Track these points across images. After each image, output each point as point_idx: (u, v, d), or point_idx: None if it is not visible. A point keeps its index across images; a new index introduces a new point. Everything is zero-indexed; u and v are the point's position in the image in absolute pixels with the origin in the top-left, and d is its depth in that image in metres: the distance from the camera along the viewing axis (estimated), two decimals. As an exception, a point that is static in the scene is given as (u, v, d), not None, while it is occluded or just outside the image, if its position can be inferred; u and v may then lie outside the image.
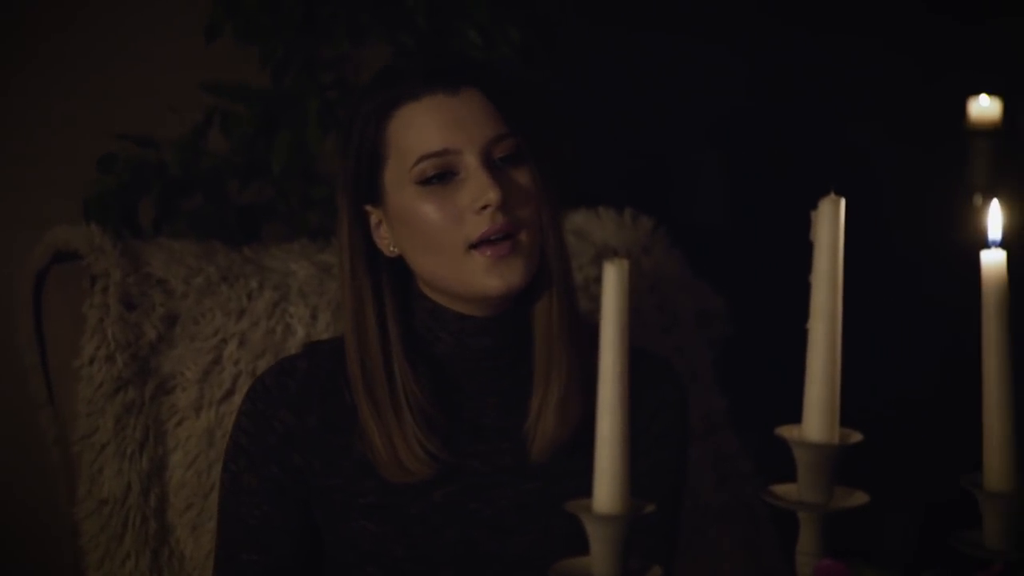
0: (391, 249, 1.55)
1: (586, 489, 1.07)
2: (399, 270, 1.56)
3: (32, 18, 2.19)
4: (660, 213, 2.18)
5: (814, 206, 1.12)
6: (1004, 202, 1.18)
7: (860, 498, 1.11)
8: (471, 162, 1.50)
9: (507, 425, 1.58)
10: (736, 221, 2.59)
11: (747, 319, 2.21)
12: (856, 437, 1.11)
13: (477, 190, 1.49)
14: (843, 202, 1.11)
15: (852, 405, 1.13)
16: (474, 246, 1.49)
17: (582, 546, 1.08)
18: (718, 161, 2.57)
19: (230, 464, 1.58)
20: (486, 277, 1.49)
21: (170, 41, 2.26)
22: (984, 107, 2.70)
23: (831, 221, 1.11)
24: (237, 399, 1.88)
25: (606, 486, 1.04)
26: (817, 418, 1.10)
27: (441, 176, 1.50)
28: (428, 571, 1.54)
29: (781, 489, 1.12)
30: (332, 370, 1.58)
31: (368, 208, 1.56)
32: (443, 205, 1.50)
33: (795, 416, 1.13)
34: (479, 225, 1.49)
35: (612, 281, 1.05)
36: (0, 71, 2.17)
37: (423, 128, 1.51)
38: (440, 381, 1.56)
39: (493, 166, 1.50)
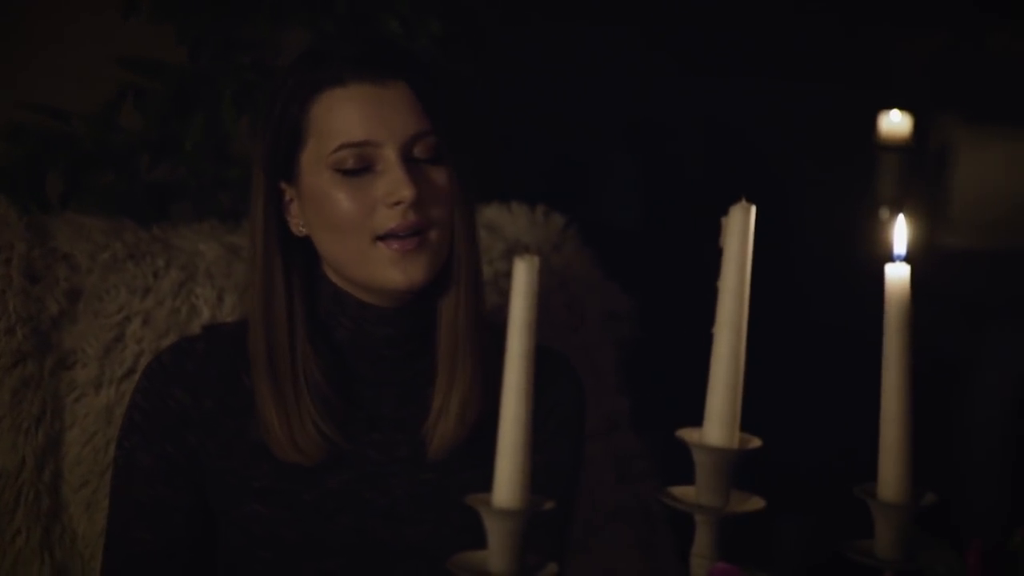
0: (300, 229, 1.54)
1: (482, 482, 1.07)
2: (306, 251, 1.56)
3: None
4: (573, 212, 2.19)
5: (725, 212, 1.13)
6: (910, 217, 1.20)
7: (756, 503, 1.12)
8: (390, 156, 1.49)
9: (404, 416, 1.58)
10: (648, 224, 2.60)
11: (654, 321, 2.23)
12: (755, 443, 1.12)
13: (392, 185, 1.48)
14: (753, 209, 1.12)
15: (747, 410, 1.14)
16: (381, 238, 1.49)
17: (476, 538, 1.08)
18: (632, 163, 2.58)
19: (124, 441, 1.56)
20: (389, 270, 1.49)
21: (86, 13, 2.23)
22: (895, 123, 2.74)
23: (741, 228, 1.12)
24: (138, 378, 1.87)
25: (506, 480, 1.05)
26: (718, 423, 1.11)
27: (358, 168, 1.50)
28: (320, 557, 1.54)
29: (679, 491, 1.13)
30: (231, 352, 1.56)
31: (283, 185, 1.55)
32: (356, 195, 1.49)
33: (696, 419, 1.13)
34: (389, 219, 1.49)
35: (522, 278, 1.05)
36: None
37: (346, 116, 1.50)
38: (339, 367, 1.56)
39: (411, 162, 1.50)
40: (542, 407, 1.57)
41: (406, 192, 1.48)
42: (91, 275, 1.90)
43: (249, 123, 2.19)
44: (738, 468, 1.11)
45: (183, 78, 2.18)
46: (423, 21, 2.23)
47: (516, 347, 1.05)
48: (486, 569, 1.05)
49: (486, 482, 1.06)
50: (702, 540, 1.12)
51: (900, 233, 1.16)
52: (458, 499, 1.51)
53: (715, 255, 1.14)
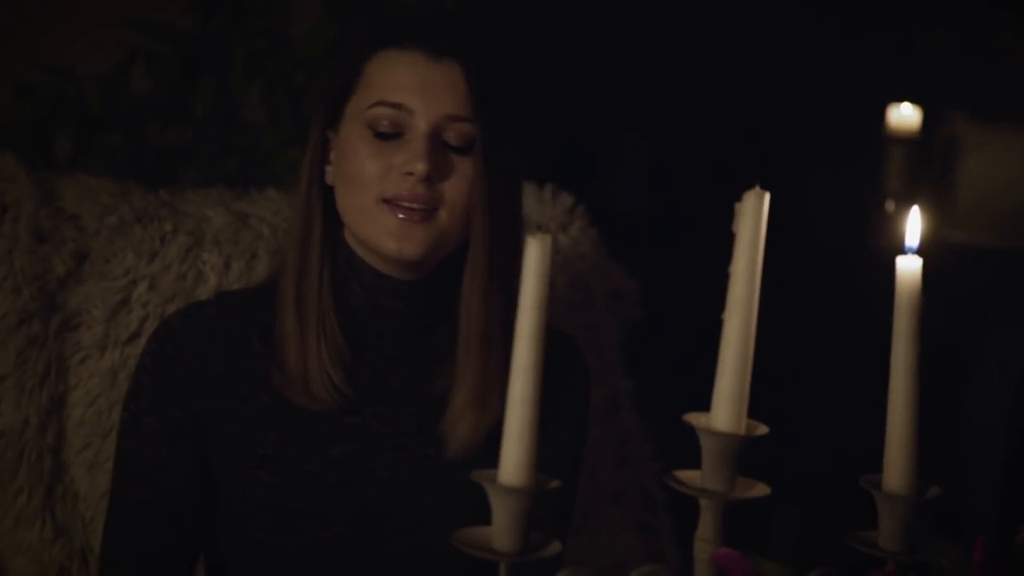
0: (330, 179, 1.56)
1: (486, 459, 1.07)
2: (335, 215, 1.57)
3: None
4: (580, 192, 2.19)
5: (735, 199, 1.13)
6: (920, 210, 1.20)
7: (762, 490, 1.12)
8: (419, 127, 1.50)
9: (410, 390, 1.58)
10: (655, 207, 2.60)
11: (658, 304, 2.23)
12: (763, 430, 1.12)
13: (410, 155, 1.49)
14: (767, 197, 1.12)
15: (752, 399, 1.14)
16: (387, 201, 1.50)
17: (477, 515, 1.09)
18: (643, 146, 2.58)
19: (130, 403, 1.57)
20: (385, 235, 1.50)
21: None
22: (904, 115, 2.74)
23: (754, 215, 1.12)
24: (143, 341, 1.85)
25: (513, 458, 1.05)
26: (726, 408, 1.11)
27: (388, 130, 1.51)
28: (320, 527, 1.54)
29: (684, 475, 1.13)
30: (242, 318, 1.57)
31: (330, 134, 1.57)
32: (378, 156, 1.51)
33: (698, 403, 1.14)
34: (397, 185, 1.49)
35: (534, 256, 1.05)
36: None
37: (393, 76, 1.52)
38: (352, 334, 1.56)
39: (439, 143, 1.51)
40: (548, 388, 1.57)
41: (420, 165, 1.48)
42: (98, 237, 1.90)
43: (258, 89, 2.18)
44: (744, 454, 1.12)
45: (194, 43, 2.17)
46: (437, -6, 2.23)
47: (526, 325, 1.06)
48: (491, 546, 1.05)
49: (490, 459, 1.06)
50: (706, 525, 1.12)
51: (913, 225, 1.16)
52: (460, 475, 1.52)
53: (722, 240, 1.14)
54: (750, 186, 1.12)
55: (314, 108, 1.59)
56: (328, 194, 1.57)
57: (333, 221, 1.57)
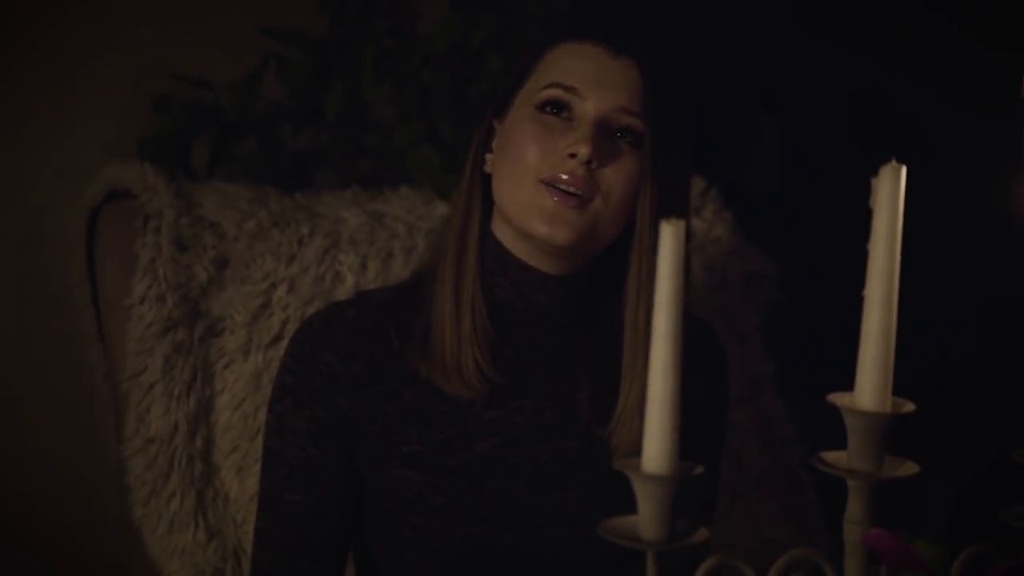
0: (489, 167, 1.58)
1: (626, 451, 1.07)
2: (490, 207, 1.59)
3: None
4: (713, 175, 2.17)
5: (871, 173, 1.11)
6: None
7: (911, 468, 1.10)
8: (587, 112, 1.52)
9: (550, 384, 1.59)
10: (789, 186, 2.57)
11: (796, 284, 2.20)
12: (908, 407, 1.10)
13: (575, 137, 1.50)
14: (904, 170, 1.10)
15: (896, 373, 1.12)
16: (545, 183, 1.50)
17: (620, 505, 1.09)
18: (773, 124, 2.55)
19: (276, 404, 1.59)
20: (536, 217, 1.51)
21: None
22: (1044, 80, 2.67)
23: (891, 188, 1.10)
24: (285, 344, 1.89)
25: (656, 446, 1.04)
26: (870, 386, 1.09)
27: (557, 110, 1.53)
28: (467, 522, 1.55)
29: (831, 456, 1.12)
30: (381, 318, 1.58)
31: (495, 122, 1.59)
32: (543, 135, 1.52)
33: (840, 383, 1.12)
34: (558, 167, 1.50)
35: (668, 241, 1.05)
36: (59, 11, 2.17)
37: (570, 63, 1.54)
38: (495, 327, 1.57)
39: (604, 129, 1.52)
40: (686, 374, 1.56)
41: (584, 148, 1.49)
42: (238, 243, 1.93)
43: (388, 89, 2.20)
44: (891, 432, 1.10)
45: (323, 46, 2.19)
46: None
47: (664, 311, 1.05)
48: (637, 535, 1.05)
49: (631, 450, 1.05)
50: (855, 506, 1.10)
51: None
52: (602, 466, 1.52)
53: (859, 216, 1.12)
54: (886, 160, 1.11)
55: (491, 100, 1.62)
56: (486, 184, 1.58)
57: (486, 213, 1.58)
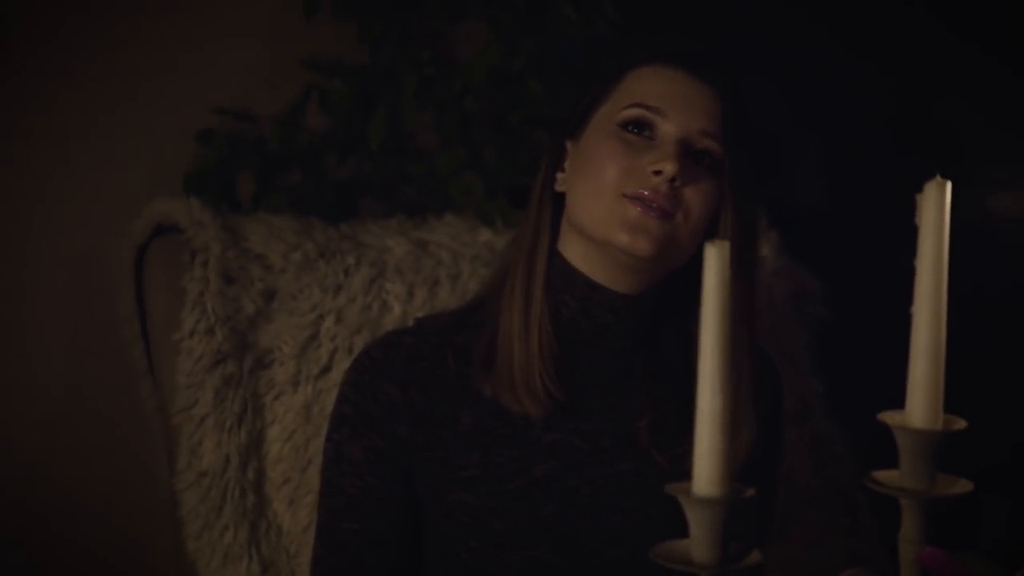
0: (561, 185, 1.59)
1: (685, 472, 1.07)
2: (556, 226, 1.60)
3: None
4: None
5: (915, 189, 1.11)
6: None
7: (964, 486, 1.09)
8: (670, 133, 1.54)
9: (610, 407, 1.59)
10: (835, 203, 2.56)
11: (844, 302, 2.19)
12: (960, 424, 1.10)
13: (660, 155, 1.52)
14: (949, 186, 1.10)
15: (948, 388, 1.12)
16: (627, 196, 1.52)
17: (679, 527, 1.08)
18: (817, 142, 2.55)
19: (333, 434, 1.60)
20: (620, 227, 1.52)
21: (268, 17, 2.27)
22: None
23: (937, 205, 1.10)
24: (334, 374, 1.90)
25: (706, 468, 1.04)
26: (921, 404, 1.09)
27: (639, 129, 1.54)
28: (525, 545, 1.55)
29: (883, 475, 1.11)
30: (439, 343, 1.59)
31: (567, 143, 1.61)
32: (625, 153, 1.53)
33: (891, 401, 1.12)
34: (642, 183, 1.52)
35: (713, 262, 1.05)
36: (103, 47, 2.19)
37: (653, 86, 1.56)
38: (561, 348, 1.58)
39: (686, 149, 1.53)
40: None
41: (670, 166, 1.51)
42: (284, 274, 1.94)
43: (430, 117, 2.21)
44: (942, 449, 1.09)
45: (365, 76, 2.20)
46: (599, 7, 2.23)
47: (711, 332, 1.05)
48: (690, 558, 1.04)
49: (689, 474, 1.05)
50: (909, 524, 1.10)
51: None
52: (658, 490, 1.52)
53: (906, 233, 1.12)
54: (931, 176, 1.10)
55: (560, 120, 1.64)
56: (556, 203, 1.60)
57: (554, 231, 1.60)
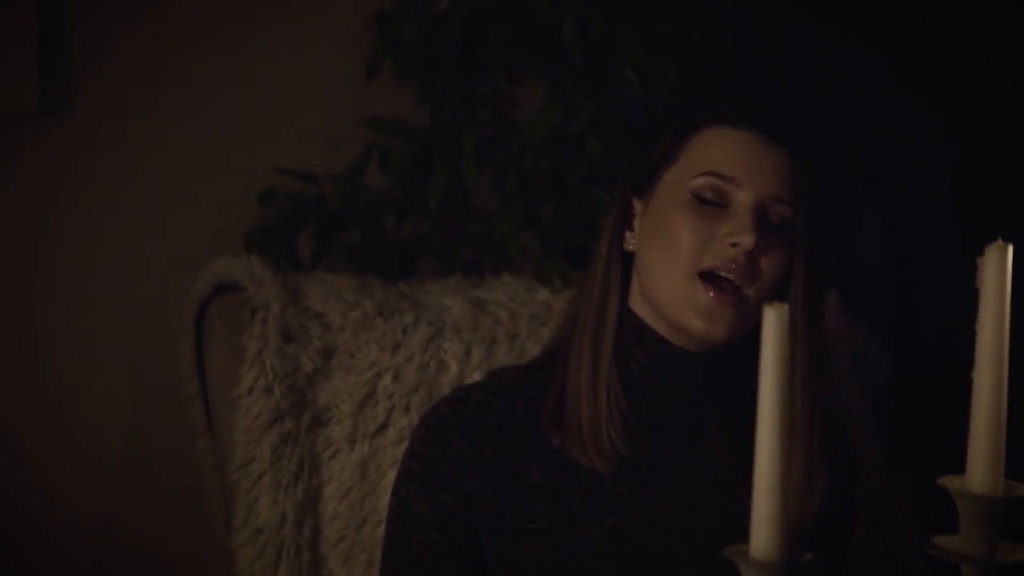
0: (631, 244, 1.59)
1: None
2: (625, 279, 1.60)
3: (198, 58, 2.24)
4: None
5: (978, 252, 1.10)
6: None
7: (1026, 552, 1.08)
8: (745, 201, 1.53)
9: (680, 461, 1.58)
10: (896, 263, 2.55)
11: (904, 362, 2.17)
12: (1022, 490, 1.08)
13: (737, 226, 1.51)
14: (1011, 249, 1.09)
15: (1009, 453, 1.10)
16: (702, 275, 1.51)
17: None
18: (876, 201, 2.53)
19: (400, 489, 1.59)
20: (694, 313, 1.51)
21: (331, 78, 2.29)
22: None
23: (998, 268, 1.09)
24: (391, 432, 1.90)
25: (763, 532, 1.04)
26: (981, 469, 1.07)
27: (714, 201, 1.53)
28: (594, 597, 1.54)
29: (943, 540, 1.10)
30: (509, 397, 1.59)
31: (635, 201, 1.60)
32: (700, 223, 1.53)
33: (952, 462, 1.11)
34: (718, 256, 1.51)
35: (772, 326, 1.04)
36: (166, 105, 2.22)
37: (725, 150, 1.55)
38: (630, 402, 1.57)
39: (762, 220, 1.53)
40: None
41: (748, 238, 1.50)
42: (343, 333, 1.94)
43: (489, 177, 2.22)
44: (1004, 515, 1.08)
45: (425, 136, 2.22)
46: (659, 69, 2.23)
47: (769, 395, 1.04)
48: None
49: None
50: (970, 591, 1.08)
51: None
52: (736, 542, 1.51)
53: (967, 295, 1.11)
54: (992, 238, 1.09)
55: (624, 176, 1.63)
56: (625, 260, 1.59)
57: (623, 287, 1.59)
